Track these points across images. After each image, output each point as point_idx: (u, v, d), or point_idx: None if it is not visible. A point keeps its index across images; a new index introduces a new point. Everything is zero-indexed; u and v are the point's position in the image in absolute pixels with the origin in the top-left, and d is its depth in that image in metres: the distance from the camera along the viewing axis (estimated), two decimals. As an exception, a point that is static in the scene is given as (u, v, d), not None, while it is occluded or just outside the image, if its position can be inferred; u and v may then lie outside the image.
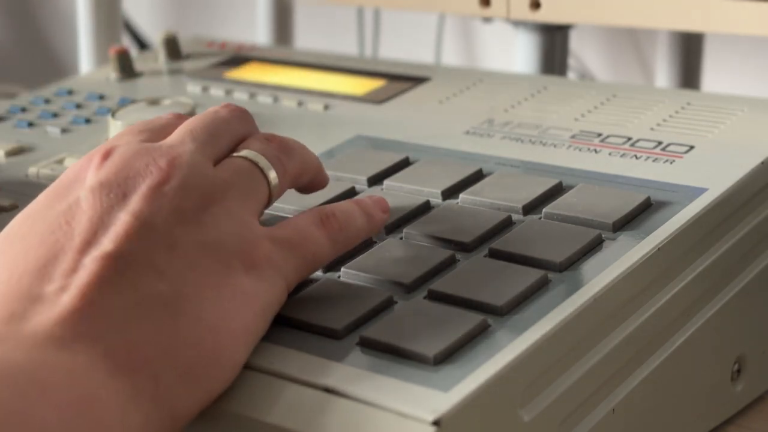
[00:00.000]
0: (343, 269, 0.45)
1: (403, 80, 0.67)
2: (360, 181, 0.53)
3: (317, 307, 0.42)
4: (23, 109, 0.69)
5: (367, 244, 0.47)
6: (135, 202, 0.39)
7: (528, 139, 0.56)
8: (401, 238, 0.47)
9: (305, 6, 1.19)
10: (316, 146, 0.55)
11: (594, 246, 0.45)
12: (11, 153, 0.62)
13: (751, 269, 0.51)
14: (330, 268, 0.45)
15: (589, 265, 0.44)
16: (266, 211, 0.47)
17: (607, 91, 0.62)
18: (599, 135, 0.56)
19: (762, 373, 0.54)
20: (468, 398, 0.37)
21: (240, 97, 0.67)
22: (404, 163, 0.55)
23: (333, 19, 1.21)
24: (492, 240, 0.46)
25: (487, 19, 0.95)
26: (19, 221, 0.41)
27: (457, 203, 0.50)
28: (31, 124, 0.66)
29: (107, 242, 0.38)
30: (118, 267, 0.37)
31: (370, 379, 0.38)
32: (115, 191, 0.40)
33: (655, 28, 0.68)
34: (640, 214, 0.48)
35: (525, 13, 0.69)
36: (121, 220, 0.39)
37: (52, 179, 0.57)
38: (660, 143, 0.54)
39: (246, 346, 0.39)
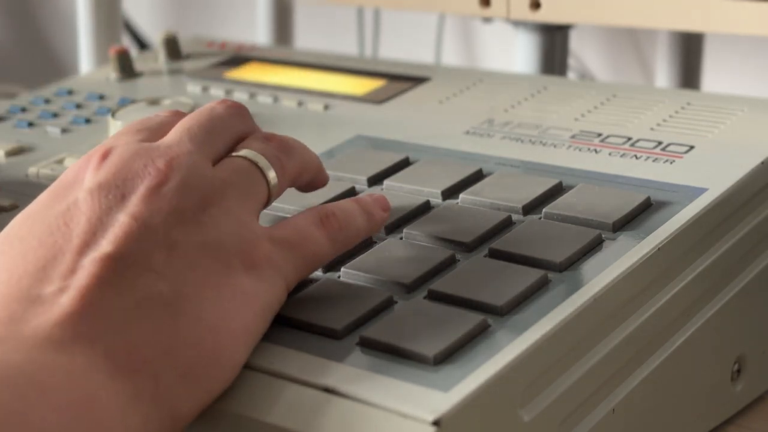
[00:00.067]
0: (343, 269, 0.45)
1: (403, 80, 0.67)
2: (360, 181, 0.53)
3: (317, 307, 0.42)
4: (23, 109, 0.69)
5: (367, 244, 0.47)
6: (134, 203, 0.39)
7: (528, 139, 0.56)
8: (401, 238, 0.47)
9: (305, 6, 1.19)
10: (316, 146, 0.55)
11: (594, 246, 0.45)
12: (11, 153, 0.62)
13: (751, 269, 0.51)
14: (330, 268, 0.45)
15: (589, 265, 0.44)
16: (266, 211, 0.47)
17: (607, 91, 0.62)
18: (599, 135, 0.56)
19: (762, 373, 0.54)
20: (468, 398, 0.37)
21: (240, 97, 0.67)
22: (404, 163, 0.55)
23: (333, 19, 1.21)
24: (492, 240, 0.46)
25: (487, 19, 0.95)
26: (18, 222, 0.41)
27: (457, 203, 0.50)
28: (31, 124, 0.66)
29: (106, 244, 0.38)
30: (117, 268, 0.37)
31: (370, 379, 0.38)
32: (113, 192, 0.40)
33: (655, 28, 0.68)
34: (640, 214, 0.48)
35: (525, 13, 0.69)
36: (120, 222, 0.39)
37: (52, 179, 0.57)
38: (660, 143, 0.54)
39: (246, 346, 0.39)
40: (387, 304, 0.42)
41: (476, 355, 0.39)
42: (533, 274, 0.43)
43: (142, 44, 1.21)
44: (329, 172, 0.50)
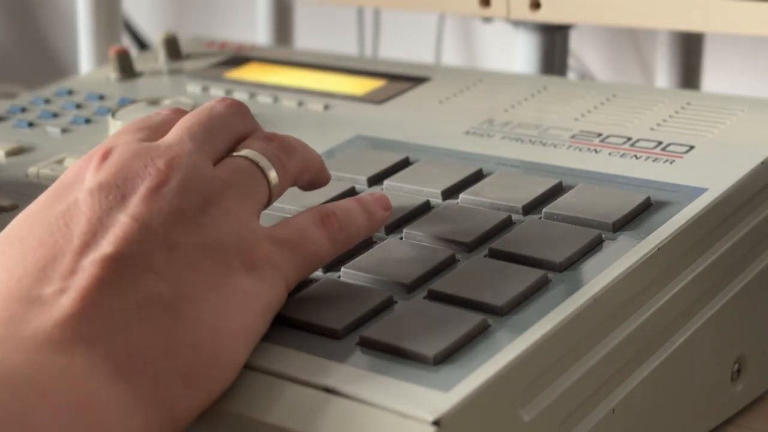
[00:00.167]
0: (343, 269, 0.45)
1: (403, 80, 0.67)
2: (360, 181, 0.53)
3: (317, 307, 0.42)
4: (23, 109, 0.69)
5: (367, 244, 0.47)
6: (134, 204, 0.39)
7: (528, 139, 0.56)
8: (401, 238, 0.47)
9: (305, 6, 1.19)
10: (316, 146, 0.54)
11: (594, 246, 0.45)
12: (11, 153, 0.62)
13: (751, 269, 0.51)
14: (330, 268, 0.45)
15: (589, 265, 0.44)
16: (266, 211, 0.47)
17: (607, 91, 0.62)
18: (599, 135, 0.56)
19: (762, 373, 0.54)
20: (468, 398, 0.37)
21: (240, 97, 0.67)
22: (404, 163, 0.55)
23: (333, 19, 1.21)
24: (492, 240, 0.46)
25: (487, 19, 0.95)
26: (18, 222, 0.41)
27: (457, 203, 0.50)
28: (31, 124, 0.66)
29: (106, 244, 0.38)
30: (117, 269, 0.37)
31: (370, 379, 0.38)
32: (113, 193, 0.40)
33: (655, 28, 0.68)
34: (640, 214, 0.48)
35: (525, 13, 0.69)
36: (120, 222, 0.39)
37: (52, 179, 0.57)
38: (660, 143, 0.54)
39: (246, 347, 0.39)
40: (387, 304, 0.42)
41: (476, 355, 0.39)
42: (533, 274, 0.43)
43: (142, 44, 1.21)
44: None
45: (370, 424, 0.36)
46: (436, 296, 0.42)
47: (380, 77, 0.67)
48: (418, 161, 0.55)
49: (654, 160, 0.53)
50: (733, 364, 0.52)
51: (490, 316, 0.41)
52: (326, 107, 0.64)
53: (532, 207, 0.49)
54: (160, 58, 0.76)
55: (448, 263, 0.45)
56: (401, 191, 0.52)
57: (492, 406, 0.38)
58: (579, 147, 0.55)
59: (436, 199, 0.51)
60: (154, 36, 1.11)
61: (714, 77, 0.96)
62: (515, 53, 0.78)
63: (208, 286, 0.39)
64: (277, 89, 0.68)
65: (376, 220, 0.46)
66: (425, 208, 0.50)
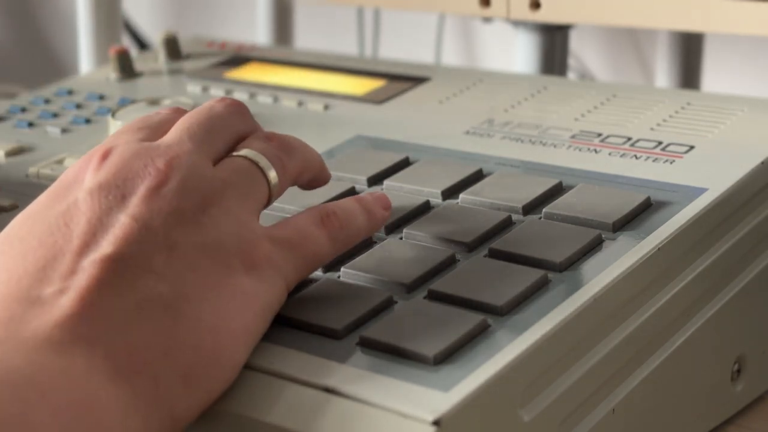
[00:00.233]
0: (343, 269, 0.45)
1: (403, 80, 0.67)
2: (360, 181, 0.53)
3: (317, 307, 0.42)
4: (23, 109, 0.69)
5: (367, 244, 0.47)
6: (134, 204, 0.39)
7: (528, 139, 0.56)
8: (401, 238, 0.47)
9: (305, 6, 1.19)
10: (316, 146, 0.54)
11: (594, 246, 0.45)
12: (11, 153, 0.62)
13: (751, 269, 0.51)
14: (330, 268, 0.45)
15: (589, 265, 0.44)
16: (266, 211, 0.47)
17: (607, 91, 0.62)
18: (599, 135, 0.56)
19: (762, 373, 0.54)
20: (468, 398, 0.37)
21: (240, 97, 0.67)
22: (404, 163, 0.55)
23: (333, 19, 1.21)
24: (492, 240, 0.46)
25: (487, 19, 0.95)
26: (18, 222, 0.41)
27: (457, 203, 0.50)
28: (31, 124, 0.66)
29: (106, 245, 0.38)
30: (117, 269, 0.37)
31: (370, 379, 0.38)
32: (113, 193, 0.40)
33: (655, 28, 0.68)
34: (640, 214, 0.48)
35: (525, 13, 0.69)
36: (120, 222, 0.39)
37: (52, 179, 0.57)
38: (660, 143, 0.54)
39: (246, 347, 0.39)
40: (387, 304, 0.42)
41: (476, 355, 0.39)
42: (533, 274, 0.43)
43: (142, 44, 1.21)
44: (329, 172, 0.50)
45: (370, 424, 0.36)
46: (436, 296, 0.42)
47: (380, 77, 0.67)
48: (418, 161, 0.54)
49: (654, 160, 0.53)
50: (733, 364, 0.52)
51: (490, 316, 0.41)
52: (326, 107, 0.64)
53: (532, 207, 0.49)
54: (160, 58, 0.76)
55: (448, 263, 0.45)
56: (401, 191, 0.52)
57: (492, 406, 0.38)
58: (579, 147, 0.55)
59: (436, 199, 0.51)
60: (154, 36, 1.11)
61: (714, 77, 0.96)
62: (515, 53, 0.78)
63: (208, 286, 0.39)
64: (277, 89, 0.68)
65: (376, 219, 0.46)
66: (425, 208, 0.50)
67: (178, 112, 0.46)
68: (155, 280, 0.38)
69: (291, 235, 0.42)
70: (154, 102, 0.64)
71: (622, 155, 0.54)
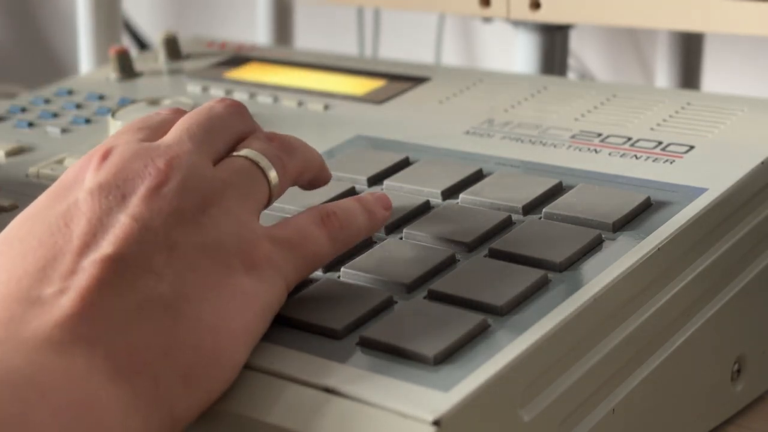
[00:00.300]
0: (343, 269, 0.45)
1: (403, 80, 0.67)
2: (360, 181, 0.53)
3: (317, 307, 0.42)
4: (23, 109, 0.69)
5: (367, 244, 0.47)
6: (134, 204, 0.39)
7: (528, 139, 0.56)
8: (401, 238, 0.47)
9: (305, 6, 1.19)
10: (316, 146, 0.54)
11: (594, 246, 0.45)
12: (11, 153, 0.62)
13: (751, 269, 0.51)
14: (330, 268, 0.45)
15: (589, 265, 0.44)
16: (266, 211, 0.47)
17: (607, 91, 0.62)
18: (599, 135, 0.56)
19: (762, 373, 0.54)
20: (468, 398, 0.37)
21: (240, 97, 0.67)
22: (404, 163, 0.55)
23: (333, 19, 1.21)
24: (492, 240, 0.46)
25: (487, 19, 0.95)
26: (18, 223, 0.41)
27: (457, 203, 0.50)
28: (31, 124, 0.66)
29: (106, 245, 0.38)
30: (117, 269, 0.37)
31: (370, 379, 0.38)
32: (113, 193, 0.40)
33: (655, 28, 0.68)
34: (640, 214, 0.48)
35: (525, 13, 0.69)
36: (120, 222, 0.39)
37: (52, 179, 0.57)
38: (660, 143, 0.54)
39: (246, 347, 0.39)
40: (387, 304, 0.42)
41: (476, 355, 0.39)
42: (533, 274, 0.43)
43: (142, 44, 1.21)
44: (329, 172, 0.50)
45: (370, 424, 0.36)
46: (436, 296, 0.42)
47: (380, 77, 0.68)
48: (418, 161, 0.55)
49: (654, 160, 0.53)
50: (733, 364, 0.52)
51: (490, 316, 0.41)
52: (326, 107, 0.64)
53: (532, 207, 0.49)
54: (160, 58, 0.76)
55: (448, 263, 0.45)
56: (401, 191, 0.52)
57: (492, 406, 0.38)
58: (579, 147, 0.55)
59: (436, 199, 0.51)
60: (154, 36, 1.11)
61: (714, 77, 0.96)
62: (515, 53, 0.78)
63: (208, 286, 0.39)
64: (277, 89, 0.68)
65: (376, 219, 0.46)
66: (425, 208, 0.50)
67: (178, 113, 0.46)
68: (155, 280, 0.38)
69: (291, 235, 0.42)
70: (154, 102, 0.64)
71: (622, 155, 0.54)
